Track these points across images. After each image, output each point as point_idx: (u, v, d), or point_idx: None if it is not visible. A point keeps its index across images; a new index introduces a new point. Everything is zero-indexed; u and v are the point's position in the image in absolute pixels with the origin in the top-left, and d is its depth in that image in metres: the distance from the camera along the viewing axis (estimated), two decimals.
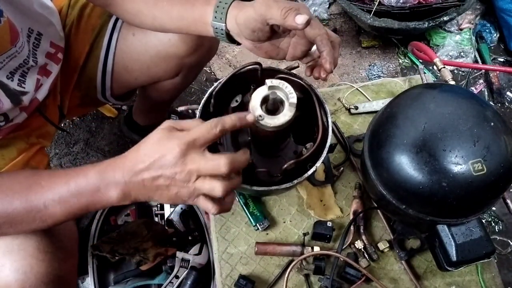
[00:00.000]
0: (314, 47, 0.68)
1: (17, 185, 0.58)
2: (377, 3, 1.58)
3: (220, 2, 0.65)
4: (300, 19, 0.58)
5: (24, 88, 0.77)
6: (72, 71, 0.93)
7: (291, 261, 0.85)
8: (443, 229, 0.74)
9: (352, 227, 0.88)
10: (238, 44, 0.70)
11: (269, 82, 0.66)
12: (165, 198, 0.56)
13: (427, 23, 1.54)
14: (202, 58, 0.99)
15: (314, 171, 0.71)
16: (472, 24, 1.81)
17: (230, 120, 0.56)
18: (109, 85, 0.97)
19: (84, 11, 0.91)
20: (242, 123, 0.58)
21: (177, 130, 0.55)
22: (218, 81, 0.74)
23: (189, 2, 0.69)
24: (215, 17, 0.65)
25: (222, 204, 0.58)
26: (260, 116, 0.64)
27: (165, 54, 0.92)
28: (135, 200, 0.56)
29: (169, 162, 0.52)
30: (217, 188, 0.54)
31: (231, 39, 0.68)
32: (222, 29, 0.66)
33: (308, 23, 0.58)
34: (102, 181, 0.55)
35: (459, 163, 0.66)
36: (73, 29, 0.90)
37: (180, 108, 1.51)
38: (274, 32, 0.66)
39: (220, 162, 0.53)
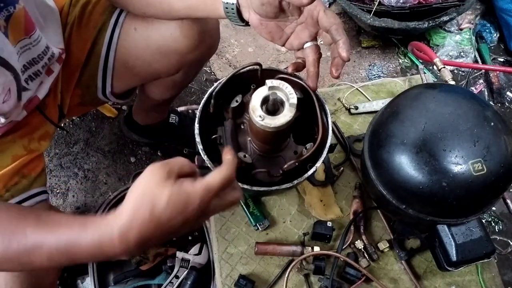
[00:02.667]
0: (308, 44, 0.68)
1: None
2: (377, 3, 1.58)
3: None
4: None
5: (28, 85, 0.77)
6: (74, 69, 0.93)
7: (291, 261, 0.85)
8: (443, 229, 0.74)
9: (352, 227, 0.88)
10: (247, 24, 0.69)
11: (269, 82, 0.66)
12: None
13: (427, 23, 1.54)
14: (203, 55, 0.99)
15: (314, 171, 0.71)
16: (472, 24, 1.80)
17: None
18: (110, 82, 0.97)
19: (86, 8, 0.90)
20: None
21: (176, 177, 0.49)
22: (218, 81, 0.74)
23: None
24: None
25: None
26: (260, 116, 0.64)
27: (166, 50, 0.92)
28: None
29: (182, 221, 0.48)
30: (235, 197, 0.53)
31: (240, 16, 0.68)
32: (233, 3, 0.66)
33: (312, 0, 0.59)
34: (101, 253, 0.48)
35: (459, 163, 0.66)
36: (75, 27, 0.90)
37: (180, 108, 1.51)
38: (283, 11, 0.66)
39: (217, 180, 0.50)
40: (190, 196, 0.47)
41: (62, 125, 1.29)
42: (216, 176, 0.50)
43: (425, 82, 1.06)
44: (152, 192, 0.46)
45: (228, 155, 0.54)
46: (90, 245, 0.48)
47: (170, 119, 1.42)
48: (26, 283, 0.70)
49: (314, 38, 0.68)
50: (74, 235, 0.48)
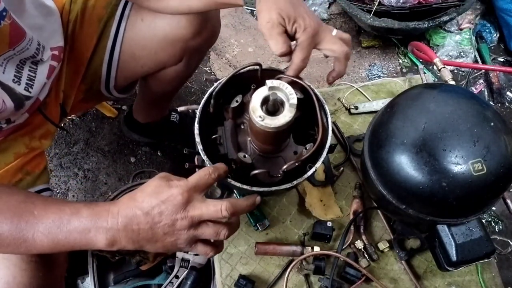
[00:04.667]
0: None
1: (8, 210, 0.57)
2: (377, 3, 1.58)
3: None
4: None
5: (30, 93, 0.77)
6: (79, 66, 0.93)
7: (291, 261, 0.85)
8: (443, 229, 0.74)
9: (352, 227, 0.88)
10: None
11: (269, 82, 0.66)
12: (159, 247, 0.55)
13: (427, 23, 1.54)
14: (205, 41, 1.01)
15: (314, 172, 0.71)
16: (472, 24, 1.80)
17: (223, 166, 0.60)
18: (114, 75, 0.97)
19: (87, 3, 0.90)
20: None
21: (174, 178, 0.56)
22: (218, 81, 0.74)
23: None
24: None
25: (218, 246, 0.60)
26: (260, 116, 0.64)
27: (172, 37, 0.93)
28: (123, 248, 0.55)
29: (170, 209, 0.52)
30: (223, 232, 0.56)
31: None
32: None
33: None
34: (94, 224, 0.54)
35: (459, 163, 0.66)
36: (78, 23, 0.89)
37: (180, 108, 1.51)
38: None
39: (221, 206, 0.54)
40: (172, 186, 0.53)
41: (63, 124, 1.30)
42: (196, 174, 0.56)
43: (425, 82, 1.06)
44: (148, 183, 0.55)
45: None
46: (89, 217, 0.54)
47: (171, 117, 1.42)
48: (34, 277, 0.70)
49: None
50: (77, 213, 0.55)
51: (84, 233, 0.54)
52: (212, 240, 0.60)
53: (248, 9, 0.73)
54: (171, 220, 0.53)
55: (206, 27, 0.95)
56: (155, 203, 0.53)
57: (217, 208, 0.54)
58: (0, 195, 0.59)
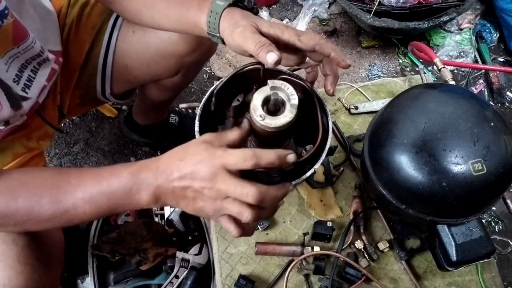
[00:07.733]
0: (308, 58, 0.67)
1: (44, 184, 0.57)
2: (377, 3, 1.58)
3: (211, 12, 0.64)
4: (271, 58, 0.58)
5: (27, 94, 0.77)
6: (73, 70, 0.93)
7: (291, 261, 0.85)
8: (443, 229, 0.74)
9: (352, 227, 0.88)
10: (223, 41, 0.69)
11: (271, 82, 0.66)
12: (190, 208, 0.57)
13: (427, 23, 1.54)
14: (201, 57, 0.99)
15: (313, 173, 0.71)
16: (472, 24, 1.81)
17: (267, 156, 0.55)
18: (109, 83, 0.97)
19: (84, 9, 0.90)
20: (282, 162, 0.56)
21: (217, 146, 0.55)
22: (220, 80, 0.74)
23: (184, 5, 0.69)
24: (209, 27, 0.66)
25: (245, 228, 0.59)
26: (260, 116, 0.64)
27: (164, 52, 0.92)
28: (164, 204, 0.57)
29: (201, 176, 0.53)
30: (245, 214, 0.54)
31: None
32: (217, 37, 0.67)
33: (278, 62, 0.59)
34: (135, 183, 0.55)
35: (459, 163, 0.66)
36: (73, 28, 0.90)
37: (181, 105, 1.51)
38: None
39: (248, 192, 0.53)
40: (210, 156, 0.54)
41: (62, 125, 1.30)
42: (235, 154, 0.54)
43: (425, 82, 1.06)
44: (190, 145, 0.56)
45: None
46: (128, 175, 0.55)
47: (170, 119, 1.42)
48: (30, 279, 0.70)
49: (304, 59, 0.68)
50: (116, 174, 0.55)
51: (125, 192, 0.55)
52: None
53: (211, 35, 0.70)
54: (200, 187, 0.53)
55: (202, 43, 0.94)
56: (190, 169, 0.53)
57: (243, 191, 0.53)
58: (32, 172, 0.60)
